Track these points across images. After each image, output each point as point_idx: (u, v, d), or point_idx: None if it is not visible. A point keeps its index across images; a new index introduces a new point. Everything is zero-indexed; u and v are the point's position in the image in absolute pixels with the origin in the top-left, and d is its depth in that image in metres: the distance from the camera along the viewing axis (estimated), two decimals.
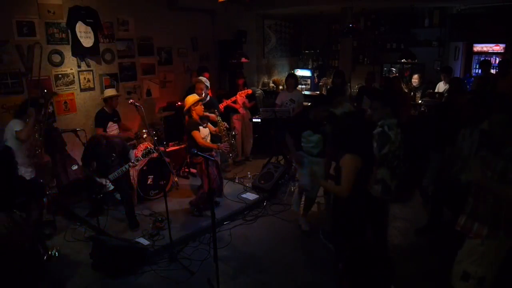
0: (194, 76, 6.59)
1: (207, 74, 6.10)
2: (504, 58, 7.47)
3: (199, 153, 3.76)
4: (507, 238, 2.62)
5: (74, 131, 4.71)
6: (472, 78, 7.70)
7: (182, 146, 5.92)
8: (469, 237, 2.77)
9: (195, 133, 4.51)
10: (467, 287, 2.75)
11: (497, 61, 7.60)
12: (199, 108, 4.62)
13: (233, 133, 5.39)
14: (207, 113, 5.03)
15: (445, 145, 4.20)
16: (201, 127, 4.65)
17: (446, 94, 6.60)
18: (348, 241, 3.24)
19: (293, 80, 6.31)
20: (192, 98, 4.64)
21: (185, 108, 4.63)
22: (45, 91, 4.60)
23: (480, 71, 7.97)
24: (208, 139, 4.76)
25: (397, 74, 7.99)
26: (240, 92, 6.24)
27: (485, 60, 7.06)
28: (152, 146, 4.70)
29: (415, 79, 7.30)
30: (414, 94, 7.09)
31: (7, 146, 2.52)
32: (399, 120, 3.46)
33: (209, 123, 4.93)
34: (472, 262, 2.72)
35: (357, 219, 3.21)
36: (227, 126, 5.21)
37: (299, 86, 9.24)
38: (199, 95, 5.39)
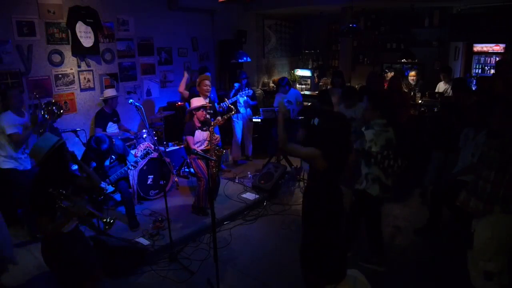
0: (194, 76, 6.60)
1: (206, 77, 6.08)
2: (503, 58, 7.48)
3: (199, 153, 3.78)
4: (502, 212, 2.66)
5: (74, 131, 4.71)
6: (472, 78, 7.72)
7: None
8: (467, 211, 2.83)
9: (188, 138, 4.61)
10: (493, 286, 2.76)
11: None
12: (200, 114, 4.66)
13: (222, 149, 5.34)
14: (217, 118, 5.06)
15: (447, 147, 4.21)
16: (198, 131, 4.68)
17: (446, 94, 6.60)
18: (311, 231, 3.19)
19: (286, 85, 6.26)
20: (196, 102, 4.67)
21: (188, 109, 4.68)
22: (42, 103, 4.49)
23: (480, 71, 7.99)
24: (205, 143, 4.78)
25: (389, 74, 7.93)
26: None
27: (500, 60, 7.02)
28: (152, 146, 4.70)
29: (412, 76, 7.28)
30: (414, 94, 7.10)
31: (62, 144, 2.71)
32: (390, 120, 3.47)
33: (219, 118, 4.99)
34: (488, 260, 2.75)
35: (324, 212, 3.10)
36: (219, 140, 5.18)
37: (299, 85, 9.27)
38: (206, 91, 5.39)
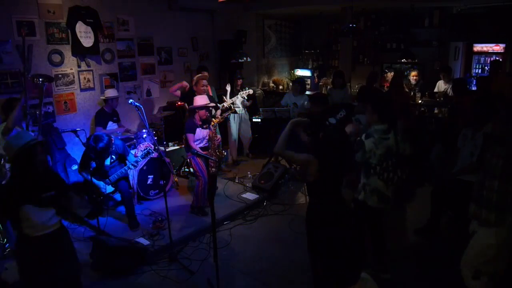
0: (193, 76, 6.59)
1: (205, 73, 6.10)
2: (505, 57, 7.49)
3: (199, 152, 3.78)
4: None
5: (74, 131, 4.71)
6: (472, 78, 7.72)
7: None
8: (480, 224, 2.78)
9: (189, 135, 4.60)
10: (479, 285, 2.74)
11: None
12: (203, 113, 4.68)
13: (223, 151, 5.35)
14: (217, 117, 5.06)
15: (445, 141, 4.21)
16: (199, 129, 4.68)
17: (449, 94, 6.58)
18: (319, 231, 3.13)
19: (299, 86, 6.40)
20: (200, 101, 4.66)
21: (191, 106, 4.67)
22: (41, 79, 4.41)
23: (480, 71, 8.00)
24: (205, 142, 4.78)
25: (389, 74, 7.92)
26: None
27: (494, 60, 7.06)
28: (152, 146, 4.70)
29: (413, 76, 7.29)
30: (414, 94, 7.10)
31: (36, 144, 2.61)
32: (391, 125, 3.33)
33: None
34: (484, 263, 2.72)
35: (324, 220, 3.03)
36: (220, 141, 5.21)
37: None
38: (203, 91, 5.39)
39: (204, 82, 5.45)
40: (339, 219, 3.05)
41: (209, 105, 4.74)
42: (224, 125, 6.56)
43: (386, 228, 3.71)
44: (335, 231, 2.44)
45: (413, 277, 3.65)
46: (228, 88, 6.29)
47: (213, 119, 5.15)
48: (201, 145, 4.71)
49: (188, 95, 5.53)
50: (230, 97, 6.21)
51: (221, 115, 5.40)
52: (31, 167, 2.57)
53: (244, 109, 6.62)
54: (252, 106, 6.84)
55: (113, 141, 4.42)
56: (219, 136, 5.05)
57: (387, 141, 3.27)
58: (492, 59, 7.63)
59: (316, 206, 3.05)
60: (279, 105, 6.64)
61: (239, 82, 6.46)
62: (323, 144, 2.97)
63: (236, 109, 6.42)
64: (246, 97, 6.39)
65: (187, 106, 5.84)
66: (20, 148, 2.53)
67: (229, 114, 5.60)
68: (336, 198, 3.05)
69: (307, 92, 8.74)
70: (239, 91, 6.27)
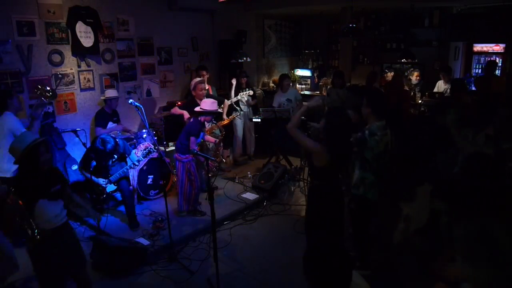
0: (193, 75, 6.59)
1: (204, 73, 6.11)
2: (505, 57, 7.49)
3: (199, 153, 3.78)
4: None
5: (74, 131, 4.71)
6: (472, 78, 7.72)
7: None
8: None
9: (193, 138, 4.57)
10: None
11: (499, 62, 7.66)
12: (209, 118, 4.73)
13: (223, 159, 5.37)
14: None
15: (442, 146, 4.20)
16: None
17: (446, 94, 6.60)
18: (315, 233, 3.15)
19: (290, 80, 6.40)
20: (211, 106, 4.61)
21: (199, 108, 4.64)
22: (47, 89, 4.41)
23: (480, 71, 8.00)
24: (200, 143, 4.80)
25: (389, 74, 7.91)
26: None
27: (490, 61, 7.09)
28: (152, 146, 4.71)
29: (415, 76, 7.30)
30: (414, 94, 7.10)
31: (39, 142, 2.71)
32: (388, 121, 3.36)
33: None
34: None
35: (326, 212, 3.09)
36: (222, 146, 5.25)
37: (299, 85, 9.27)
38: (202, 95, 5.38)
39: (202, 86, 5.42)
40: (339, 203, 3.09)
41: (218, 111, 4.75)
42: (230, 124, 6.57)
43: (385, 227, 3.72)
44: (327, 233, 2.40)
45: (413, 277, 3.65)
46: (234, 82, 6.30)
47: (221, 121, 5.22)
48: (196, 147, 4.73)
49: (188, 103, 5.50)
50: (234, 95, 6.24)
51: (227, 116, 5.45)
52: (38, 166, 2.70)
53: (249, 108, 6.64)
54: (252, 106, 6.86)
55: (118, 142, 4.44)
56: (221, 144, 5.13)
57: (386, 137, 3.33)
58: (492, 58, 7.64)
59: (320, 188, 3.08)
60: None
61: (244, 80, 6.47)
62: (329, 130, 2.97)
63: (242, 107, 6.43)
64: (246, 98, 6.39)
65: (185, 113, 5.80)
66: (25, 149, 2.64)
67: (237, 115, 5.67)
68: (338, 182, 3.11)
69: (307, 92, 8.80)
70: (243, 90, 6.29)
